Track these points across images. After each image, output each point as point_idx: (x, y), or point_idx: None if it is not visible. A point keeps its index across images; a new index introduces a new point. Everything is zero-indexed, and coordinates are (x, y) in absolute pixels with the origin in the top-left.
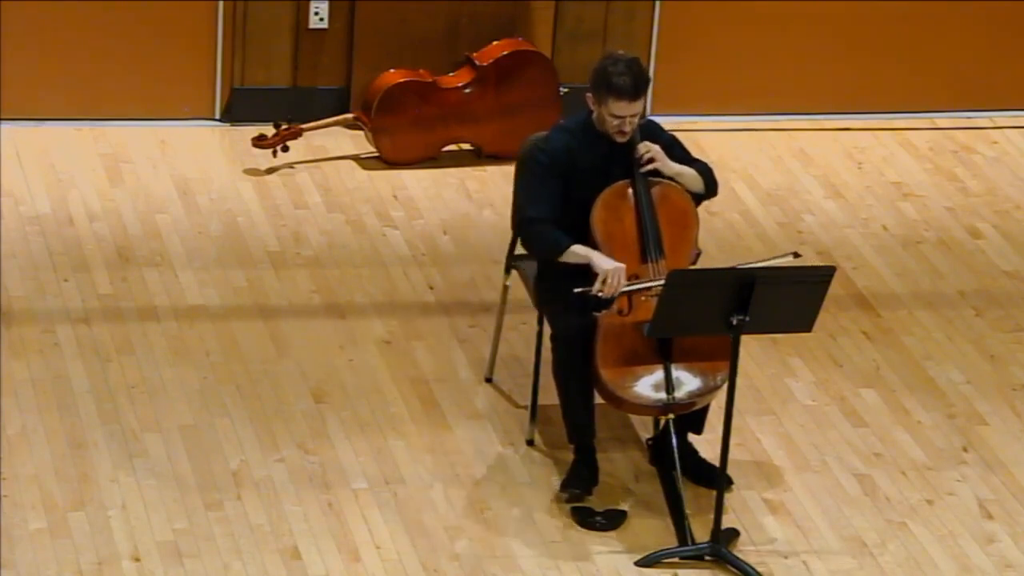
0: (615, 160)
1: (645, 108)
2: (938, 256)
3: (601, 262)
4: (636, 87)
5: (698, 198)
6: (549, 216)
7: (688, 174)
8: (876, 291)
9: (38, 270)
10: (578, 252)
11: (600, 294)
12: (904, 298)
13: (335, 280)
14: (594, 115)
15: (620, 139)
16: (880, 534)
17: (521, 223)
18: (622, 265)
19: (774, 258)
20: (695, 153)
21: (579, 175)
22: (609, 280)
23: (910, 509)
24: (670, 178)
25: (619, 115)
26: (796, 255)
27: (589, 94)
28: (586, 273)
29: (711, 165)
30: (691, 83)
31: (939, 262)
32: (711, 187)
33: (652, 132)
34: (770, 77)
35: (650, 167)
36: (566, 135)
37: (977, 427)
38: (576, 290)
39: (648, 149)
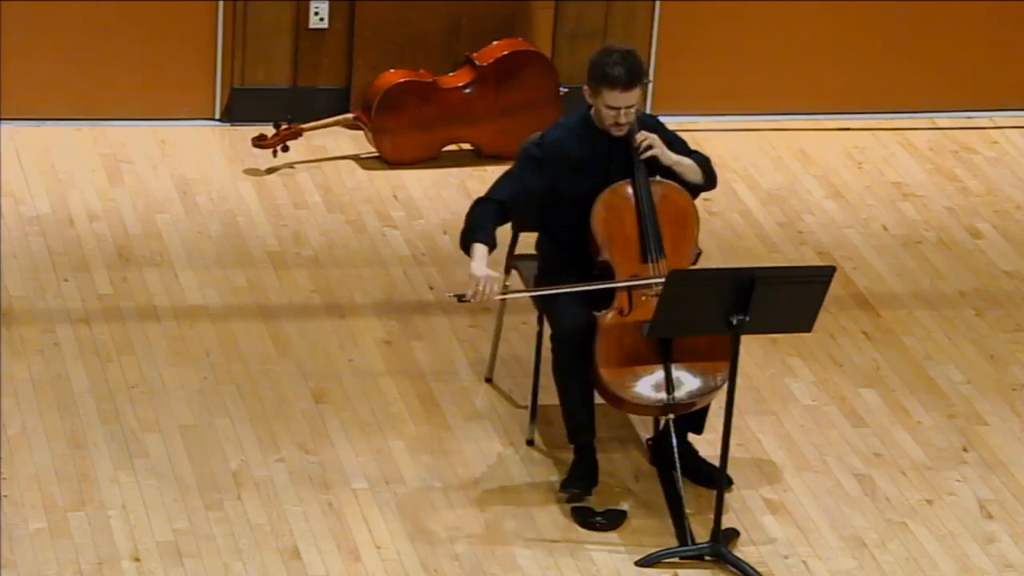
0: (614, 157)
1: (643, 102)
2: (938, 256)
3: (476, 270)
4: (630, 76)
5: (697, 189)
6: (506, 203)
7: (687, 163)
8: (876, 291)
9: (38, 270)
10: (474, 250)
11: (472, 299)
12: (904, 298)
13: (335, 280)
14: (592, 110)
15: (617, 132)
16: (880, 534)
17: (477, 198)
18: (497, 276)
19: None
20: None
21: (576, 172)
22: (481, 287)
23: (910, 509)
24: (668, 167)
25: (614, 106)
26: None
27: (585, 87)
28: (585, 273)
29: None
30: (691, 83)
31: (939, 262)
32: (710, 178)
33: (654, 128)
34: (770, 77)
35: (649, 154)
36: (563, 132)
37: (977, 427)
38: (448, 295)
39: (646, 137)
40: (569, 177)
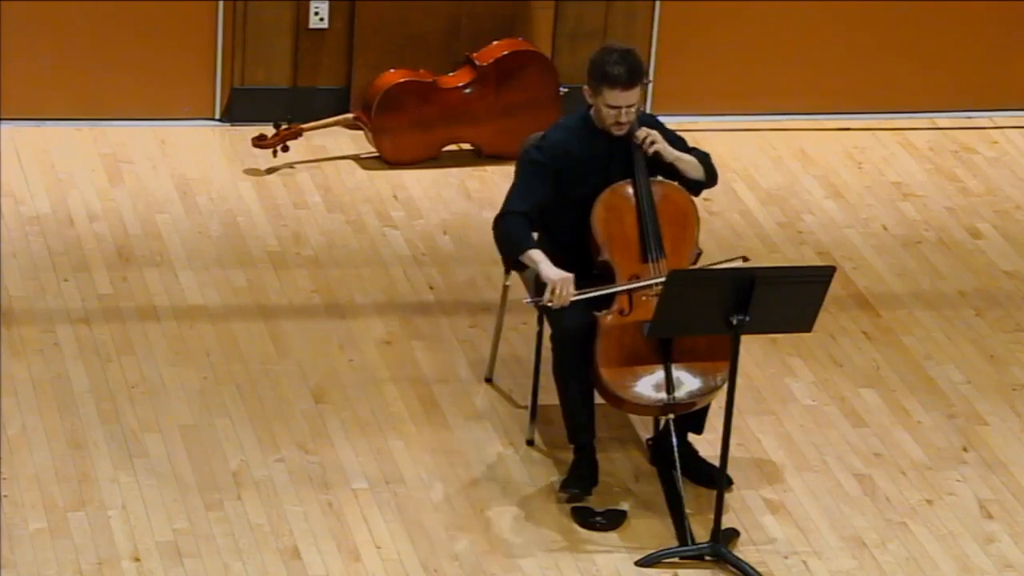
0: (614, 156)
1: (643, 102)
2: (938, 256)
3: (549, 272)
4: (630, 75)
5: (698, 186)
6: (528, 213)
7: (688, 160)
8: (876, 291)
9: (38, 270)
10: (533, 257)
11: (550, 304)
12: (904, 298)
13: (335, 280)
14: (592, 110)
15: (617, 131)
16: (880, 534)
17: (498, 215)
18: (569, 276)
19: (724, 261)
20: None
21: (577, 172)
22: (558, 291)
23: (910, 509)
24: (671, 163)
25: (614, 105)
26: (745, 259)
27: (586, 87)
28: (586, 272)
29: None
30: (691, 83)
31: (939, 262)
32: (711, 174)
33: (653, 127)
34: (770, 77)
35: (653, 149)
36: (563, 132)
37: (977, 427)
38: (526, 300)
39: (647, 134)
40: (570, 178)
